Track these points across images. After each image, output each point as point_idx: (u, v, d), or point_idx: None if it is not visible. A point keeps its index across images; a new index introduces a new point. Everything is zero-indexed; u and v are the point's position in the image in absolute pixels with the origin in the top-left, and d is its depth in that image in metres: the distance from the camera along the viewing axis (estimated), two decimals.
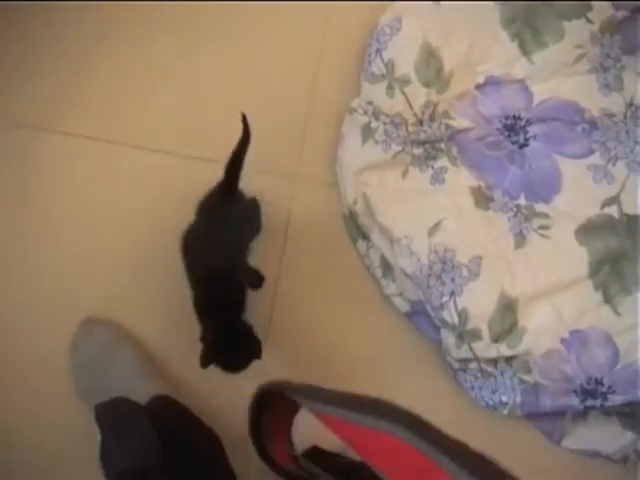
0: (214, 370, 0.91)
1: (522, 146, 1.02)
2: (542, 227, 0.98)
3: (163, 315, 0.99)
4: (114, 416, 0.89)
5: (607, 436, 0.99)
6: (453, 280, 0.95)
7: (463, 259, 0.95)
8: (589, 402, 0.94)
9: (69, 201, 1.02)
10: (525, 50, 1.03)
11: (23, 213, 1.01)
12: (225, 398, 0.97)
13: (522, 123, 1.02)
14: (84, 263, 1.00)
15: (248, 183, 1.02)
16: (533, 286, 0.95)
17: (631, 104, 1.02)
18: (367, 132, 1.02)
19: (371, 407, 0.49)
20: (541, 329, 0.94)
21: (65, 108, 1.03)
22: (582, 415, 1.00)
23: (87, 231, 1.01)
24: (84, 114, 1.03)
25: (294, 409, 0.70)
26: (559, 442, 1.00)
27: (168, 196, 1.00)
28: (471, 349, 0.95)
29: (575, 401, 0.95)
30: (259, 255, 1.01)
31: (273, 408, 0.66)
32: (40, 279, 0.99)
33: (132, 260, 1.00)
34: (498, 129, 1.02)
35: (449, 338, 0.96)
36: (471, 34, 1.03)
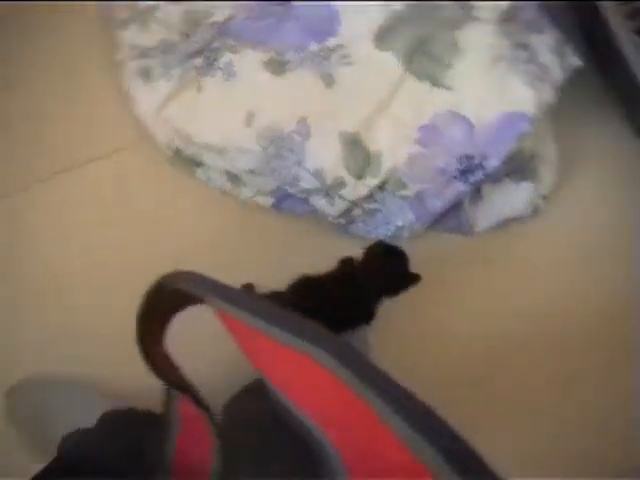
0: None
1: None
2: (342, 57, 0.97)
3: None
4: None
5: (509, 198, 0.99)
6: (292, 150, 0.93)
7: (289, 127, 0.93)
8: (472, 178, 0.93)
9: None
10: None
11: None
12: None
13: None
14: None
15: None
16: (364, 111, 0.94)
17: None
18: (145, 73, 0.99)
19: (296, 327, 0.42)
20: (393, 143, 0.93)
21: None
22: (477, 196, 0.99)
23: None
24: None
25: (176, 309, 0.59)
26: (472, 230, 1.00)
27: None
28: (343, 198, 0.93)
29: (460, 185, 0.94)
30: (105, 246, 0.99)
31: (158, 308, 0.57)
32: None
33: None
34: (258, 2, 1.00)
35: (320, 201, 0.95)
36: None
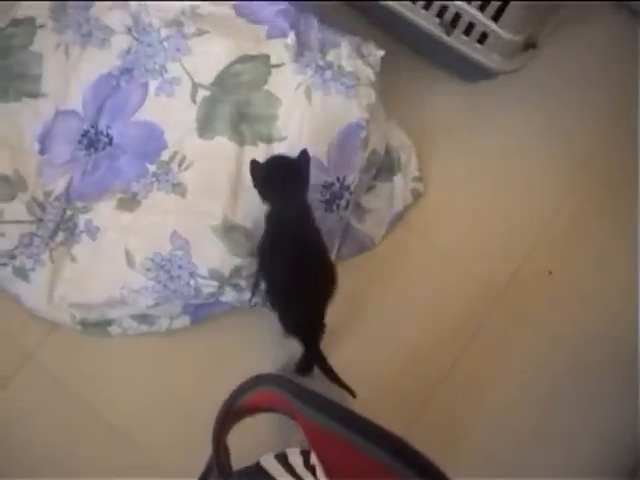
0: None
1: (108, 145, 1.04)
2: (180, 162, 1.00)
3: None
4: None
5: (389, 198, 1.04)
6: (181, 266, 0.95)
7: (167, 248, 0.96)
8: (342, 202, 0.98)
9: None
10: None
11: None
12: None
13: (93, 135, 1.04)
14: None
15: None
16: (221, 198, 0.96)
17: None
18: (20, 273, 0.99)
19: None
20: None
21: None
22: (361, 211, 1.04)
23: None
24: None
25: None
26: (374, 243, 1.03)
27: None
28: (248, 278, 0.96)
29: (334, 215, 0.99)
30: None
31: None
32: None
33: None
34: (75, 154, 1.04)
35: (230, 295, 0.97)
36: None
